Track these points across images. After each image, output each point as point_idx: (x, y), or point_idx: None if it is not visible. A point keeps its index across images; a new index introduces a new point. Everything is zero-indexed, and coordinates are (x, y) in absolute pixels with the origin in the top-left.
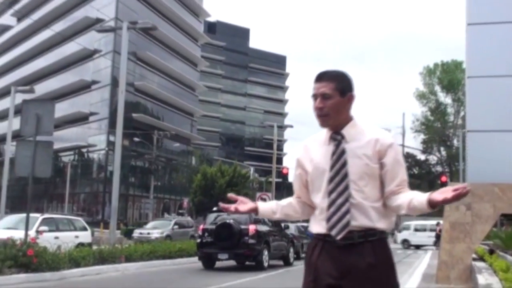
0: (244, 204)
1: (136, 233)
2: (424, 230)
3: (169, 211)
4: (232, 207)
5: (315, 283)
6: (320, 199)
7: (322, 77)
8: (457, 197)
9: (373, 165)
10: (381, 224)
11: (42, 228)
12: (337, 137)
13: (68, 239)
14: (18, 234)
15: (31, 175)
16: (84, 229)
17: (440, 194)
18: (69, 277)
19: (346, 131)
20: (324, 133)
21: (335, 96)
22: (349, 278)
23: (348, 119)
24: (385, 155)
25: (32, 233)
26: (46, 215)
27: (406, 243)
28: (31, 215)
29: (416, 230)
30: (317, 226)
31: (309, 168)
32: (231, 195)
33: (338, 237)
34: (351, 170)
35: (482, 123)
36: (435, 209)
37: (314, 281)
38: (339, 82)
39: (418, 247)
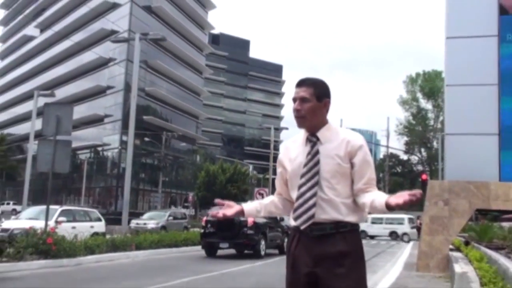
0: (230, 208)
1: (133, 223)
2: (380, 223)
3: (176, 204)
4: (220, 213)
5: (293, 271)
6: (295, 194)
7: (302, 83)
8: (409, 202)
9: (344, 165)
10: (351, 217)
11: (61, 218)
12: (312, 139)
13: (84, 229)
14: (39, 224)
15: (51, 171)
16: (99, 220)
17: (395, 199)
18: (85, 263)
19: (321, 133)
20: (302, 134)
21: (313, 100)
22: (322, 266)
23: (324, 122)
24: (355, 156)
25: (51, 223)
26: (65, 207)
27: (363, 234)
28: (51, 207)
29: (373, 222)
30: (291, 217)
31: (288, 167)
32: (218, 200)
33: (302, 227)
34: (325, 169)
35: (459, 127)
36: (392, 210)
37: (292, 268)
38: (317, 88)
39: (373, 237)
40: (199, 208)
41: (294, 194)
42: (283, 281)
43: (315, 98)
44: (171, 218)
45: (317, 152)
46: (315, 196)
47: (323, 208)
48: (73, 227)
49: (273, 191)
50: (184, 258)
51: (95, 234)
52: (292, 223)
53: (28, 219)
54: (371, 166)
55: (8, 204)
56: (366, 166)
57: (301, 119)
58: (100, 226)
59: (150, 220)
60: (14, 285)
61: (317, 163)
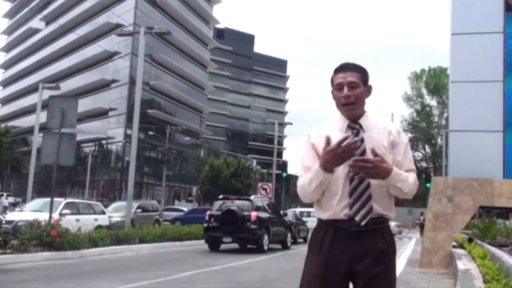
0: None
1: None
2: (309, 215)
3: (179, 198)
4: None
5: (326, 267)
6: (338, 185)
7: (346, 68)
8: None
9: (388, 155)
10: (389, 212)
11: (65, 211)
12: (355, 126)
13: (88, 221)
14: (43, 216)
15: (56, 163)
16: (103, 213)
17: None
18: (88, 255)
19: (363, 121)
20: (337, 122)
21: (360, 85)
22: (362, 263)
23: (364, 110)
24: (398, 144)
25: (55, 215)
26: (69, 200)
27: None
28: (55, 199)
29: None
30: (327, 212)
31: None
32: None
33: (363, 223)
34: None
35: (464, 123)
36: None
37: (326, 265)
38: (362, 73)
39: None
40: (203, 202)
41: (332, 184)
42: (286, 275)
43: (362, 83)
44: (139, 210)
45: (362, 140)
46: (369, 189)
47: (373, 202)
48: (77, 220)
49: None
50: (187, 252)
51: (99, 227)
52: (325, 216)
53: (32, 211)
54: (410, 153)
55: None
56: (407, 154)
57: (351, 106)
58: (103, 219)
59: (115, 212)
60: (18, 277)
61: (364, 152)
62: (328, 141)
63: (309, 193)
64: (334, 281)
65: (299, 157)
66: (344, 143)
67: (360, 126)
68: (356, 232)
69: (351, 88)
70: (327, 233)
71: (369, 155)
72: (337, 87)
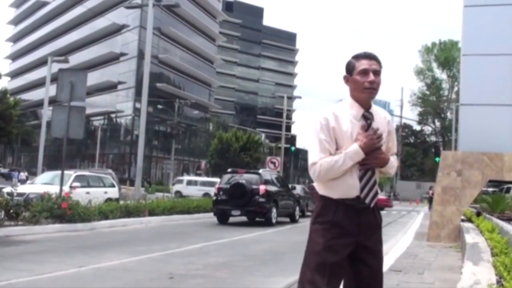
0: None
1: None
2: (195, 184)
3: (188, 172)
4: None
5: (337, 241)
6: (352, 168)
7: (372, 57)
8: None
9: (386, 143)
10: (379, 191)
11: (75, 184)
12: (369, 116)
13: (98, 194)
14: (53, 189)
15: (66, 137)
16: (112, 185)
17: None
18: (99, 228)
19: (373, 110)
20: (350, 107)
21: (381, 75)
22: (364, 235)
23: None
24: (391, 133)
25: (66, 188)
26: (79, 172)
27: (178, 194)
28: (65, 172)
29: (188, 184)
30: (341, 192)
31: (340, 140)
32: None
33: (372, 205)
34: None
35: (475, 97)
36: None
37: (337, 238)
38: (381, 65)
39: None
40: (211, 175)
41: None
42: (294, 248)
43: (381, 74)
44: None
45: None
46: (375, 175)
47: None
48: (87, 193)
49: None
50: (196, 225)
51: (109, 199)
52: (336, 195)
53: (43, 184)
54: (395, 141)
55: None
56: (395, 139)
57: (374, 91)
58: (113, 192)
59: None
60: (30, 248)
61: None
62: (368, 127)
63: (339, 173)
64: (345, 251)
65: (309, 134)
66: (380, 135)
67: (372, 115)
68: (362, 208)
69: (376, 75)
70: (337, 209)
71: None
72: (361, 72)
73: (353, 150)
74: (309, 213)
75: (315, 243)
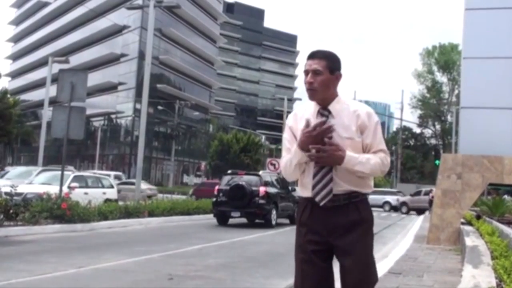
0: None
1: None
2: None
3: (188, 173)
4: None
5: (304, 240)
6: (310, 166)
7: (314, 55)
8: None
9: (357, 139)
10: (363, 188)
11: (73, 184)
12: (324, 113)
13: (96, 195)
14: (52, 189)
15: (66, 137)
16: (111, 186)
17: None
18: (98, 228)
19: (333, 107)
20: (313, 106)
21: (325, 73)
22: (334, 235)
23: (335, 95)
24: (367, 128)
25: (64, 188)
26: (77, 173)
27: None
28: (64, 172)
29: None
30: (305, 191)
31: (298, 137)
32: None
33: (322, 203)
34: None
35: (475, 100)
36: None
37: (304, 238)
38: (330, 61)
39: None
40: (211, 177)
41: (303, 166)
42: (293, 249)
43: (328, 71)
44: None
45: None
46: (331, 172)
47: (337, 182)
48: (86, 193)
49: None
50: (195, 226)
51: (107, 200)
52: (303, 194)
53: (41, 184)
54: (378, 136)
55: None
56: (376, 135)
57: (313, 91)
58: (112, 193)
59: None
60: (30, 248)
61: (330, 138)
62: (307, 123)
63: (290, 171)
64: (315, 252)
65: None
66: (318, 128)
67: (329, 112)
68: (330, 207)
69: (315, 75)
70: (305, 208)
71: (335, 140)
72: (304, 73)
73: (293, 149)
74: None
75: (295, 245)
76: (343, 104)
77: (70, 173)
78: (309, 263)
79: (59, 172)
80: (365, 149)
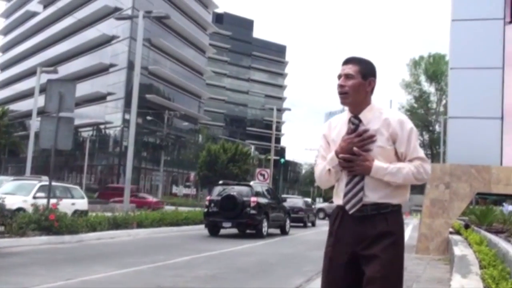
0: None
1: None
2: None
3: (177, 184)
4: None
5: (333, 249)
6: (344, 174)
7: (349, 61)
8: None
9: (388, 147)
10: (395, 198)
11: (39, 194)
12: (355, 121)
13: (65, 206)
14: (14, 199)
15: (54, 148)
16: (82, 197)
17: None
18: (86, 240)
19: (364, 115)
20: (346, 114)
21: (357, 77)
22: (361, 245)
23: (367, 102)
24: (399, 137)
25: (29, 199)
26: (43, 182)
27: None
28: (30, 182)
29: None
30: (338, 199)
31: (332, 145)
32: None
33: (351, 212)
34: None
35: (463, 110)
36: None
37: (333, 246)
38: (363, 66)
39: None
40: (201, 187)
41: (338, 174)
42: (283, 260)
43: (360, 75)
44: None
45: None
46: (362, 181)
47: (367, 191)
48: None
49: (274, 172)
50: (185, 237)
51: (76, 211)
52: (336, 201)
53: (4, 193)
54: (412, 144)
55: None
56: (410, 143)
57: (344, 95)
58: (82, 203)
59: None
60: (18, 260)
61: (361, 146)
62: (350, 130)
63: (325, 179)
64: (341, 261)
65: (298, 143)
66: (361, 135)
67: (360, 120)
68: (358, 217)
69: (347, 79)
70: (337, 217)
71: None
72: (338, 78)
73: (330, 155)
74: (309, 224)
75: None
76: (376, 112)
77: (37, 182)
78: (333, 273)
79: (26, 182)
80: (400, 158)
